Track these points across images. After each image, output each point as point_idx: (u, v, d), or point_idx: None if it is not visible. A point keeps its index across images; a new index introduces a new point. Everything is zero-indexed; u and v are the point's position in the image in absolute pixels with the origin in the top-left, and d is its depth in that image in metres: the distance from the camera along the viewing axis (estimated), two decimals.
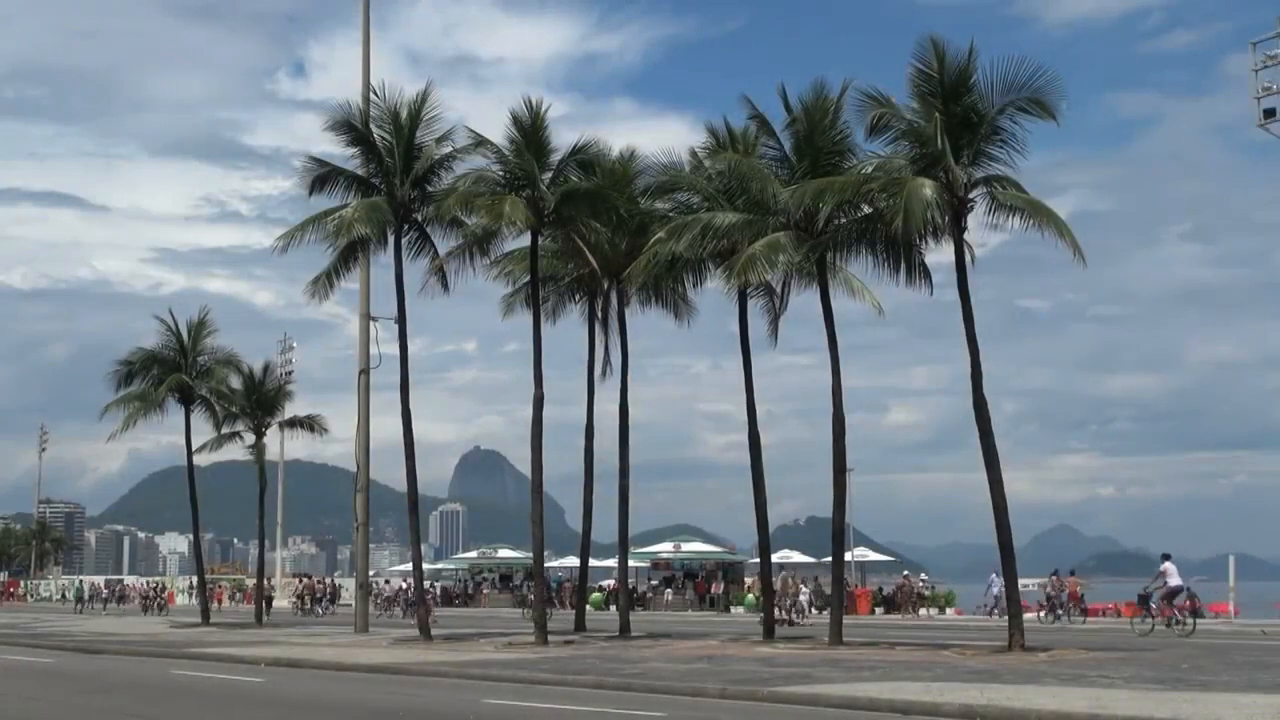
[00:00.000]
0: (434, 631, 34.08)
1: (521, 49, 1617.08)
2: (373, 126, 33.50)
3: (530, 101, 31.49)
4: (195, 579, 59.26)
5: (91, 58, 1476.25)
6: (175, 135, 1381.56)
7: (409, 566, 45.25)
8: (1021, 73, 25.51)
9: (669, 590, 63.14)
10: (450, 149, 33.31)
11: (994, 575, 50.88)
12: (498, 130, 31.66)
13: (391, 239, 33.82)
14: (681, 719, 16.29)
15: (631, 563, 46.17)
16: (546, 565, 43.95)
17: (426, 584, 60.68)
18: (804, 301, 31.22)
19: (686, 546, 68.87)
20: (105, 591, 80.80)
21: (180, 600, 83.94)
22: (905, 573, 52.95)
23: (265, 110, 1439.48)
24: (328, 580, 67.70)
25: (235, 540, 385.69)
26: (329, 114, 33.32)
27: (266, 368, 48.49)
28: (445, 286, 34.16)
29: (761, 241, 28.10)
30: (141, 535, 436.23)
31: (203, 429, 47.16)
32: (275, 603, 59.16)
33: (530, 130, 31.24)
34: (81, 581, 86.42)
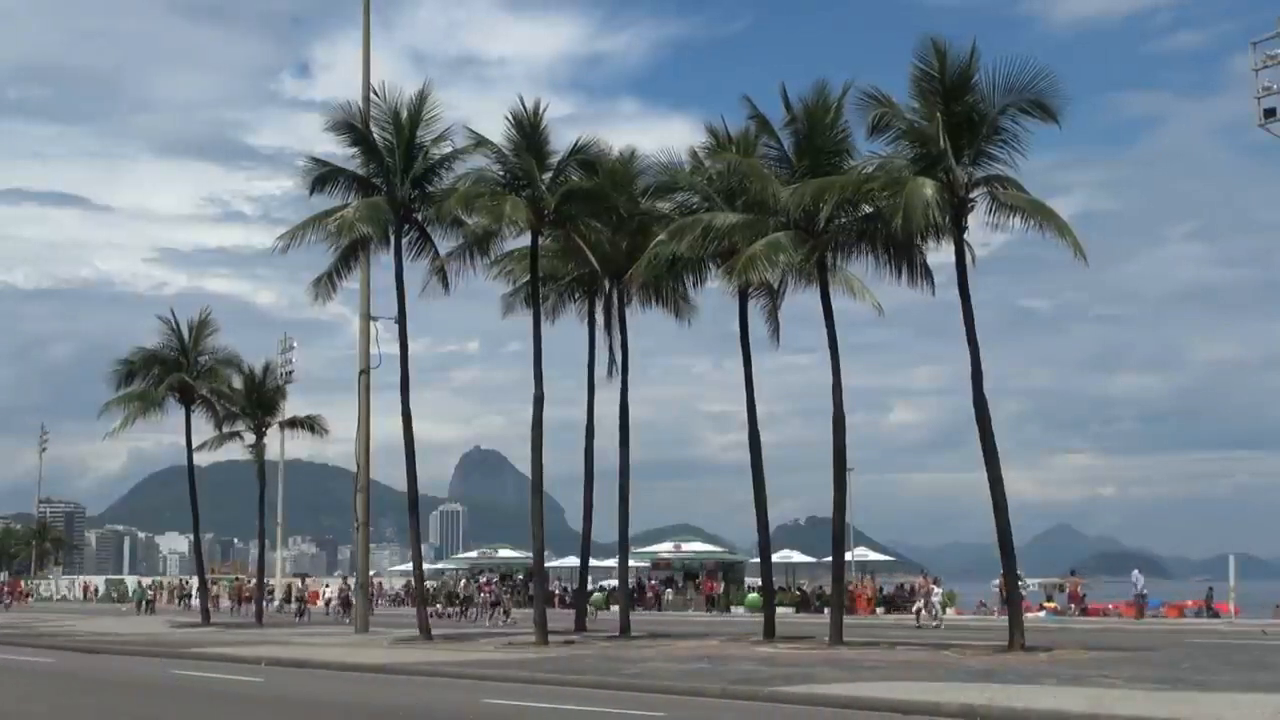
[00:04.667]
0: (435, 631, 34.19)
1: (526, 49, 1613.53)
2: (373, 127, 33.50)
3: (525, 101, 31.53)
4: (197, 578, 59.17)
5: (95, 57, 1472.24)
6: (179, 135, 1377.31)
7: (409, 566, 45.23)
8: (1024, 74, 25.56)
9: (669, 590, 63.12)
10: (450, 149, 33.34)
11: (1135, 572, 51.41)
12: (502, 131, 31.68)
13: (392, 239, 33.83)
14: (681, 719, 16.29)
15: (632, 563, 46.13)
16: (547, 565, 43.95)
17: (490, 579, 60.49)
18: (804, 301, 31.25)
19: (687, 546, 68.82)
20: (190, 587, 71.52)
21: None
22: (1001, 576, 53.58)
23: (269, 110, 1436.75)
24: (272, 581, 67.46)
25: (235, 540, 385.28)
26: (330, 114, 33.39)
27: (267, 368, 48.56)
28: (446, 286, 34.22)
29: (762, 241, 28.09)
30: (142, 535, 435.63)
31: (203, 429, 47.15)
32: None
33: (529, 130, 31.25)
34: (141, 581, 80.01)
